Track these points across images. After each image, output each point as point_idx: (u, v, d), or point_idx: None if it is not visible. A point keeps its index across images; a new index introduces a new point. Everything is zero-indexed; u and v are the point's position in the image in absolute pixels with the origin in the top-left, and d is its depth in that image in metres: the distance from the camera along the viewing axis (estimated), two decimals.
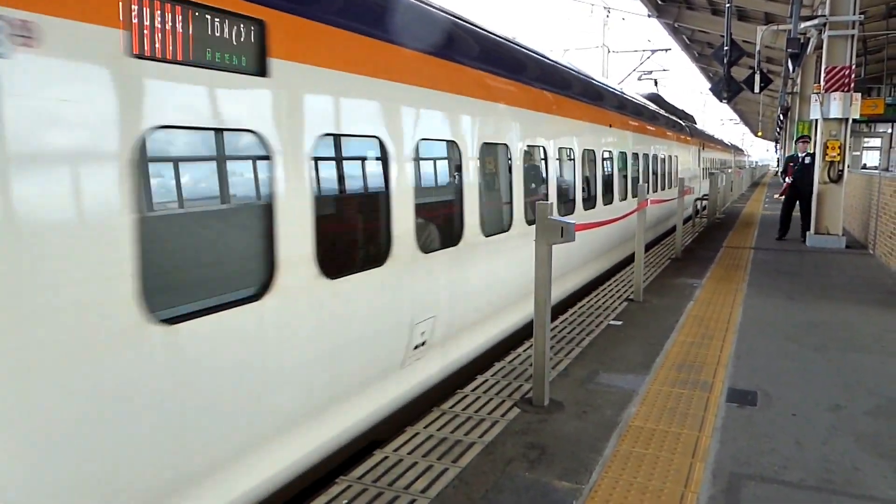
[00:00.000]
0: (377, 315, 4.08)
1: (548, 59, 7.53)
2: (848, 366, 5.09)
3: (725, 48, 13.13)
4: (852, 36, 10.92)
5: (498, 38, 6.09)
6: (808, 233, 11.81)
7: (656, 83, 25.74)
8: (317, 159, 3.56)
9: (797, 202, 12.44)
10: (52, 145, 2.28)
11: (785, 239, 12.41)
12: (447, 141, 4.90)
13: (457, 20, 5.29)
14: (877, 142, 35.14)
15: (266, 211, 3.23)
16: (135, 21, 2.51)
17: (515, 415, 4.08)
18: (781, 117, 30.28)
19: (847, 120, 11.12)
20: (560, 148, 7.36)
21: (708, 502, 3.10)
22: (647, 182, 11.99)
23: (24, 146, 2.18)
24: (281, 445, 3.39)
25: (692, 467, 3.42)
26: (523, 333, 6.08)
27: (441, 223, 5.01)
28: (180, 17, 2.70)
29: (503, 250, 5.81)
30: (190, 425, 2.85)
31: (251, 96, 3.10)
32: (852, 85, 10.97)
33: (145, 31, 2.56)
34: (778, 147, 46.08)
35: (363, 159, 4.19)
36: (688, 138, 17.87)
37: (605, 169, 9.30)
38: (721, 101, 14.85)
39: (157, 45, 2.61)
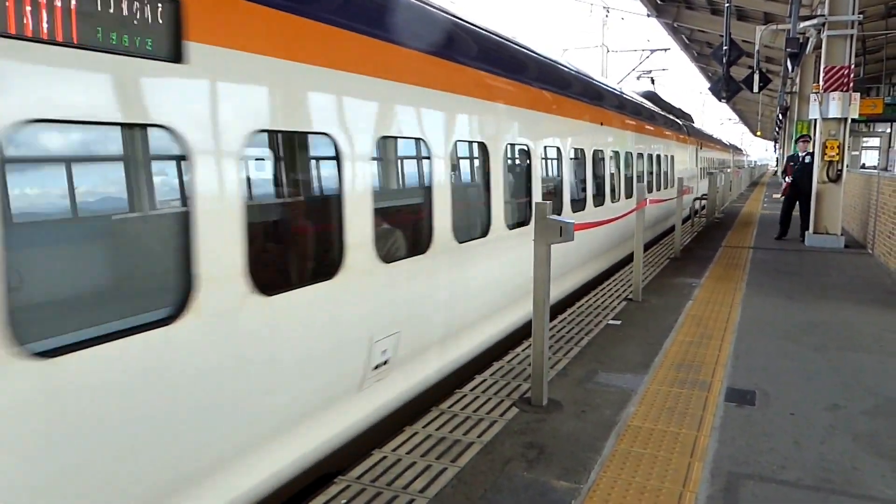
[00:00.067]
0: (326, 334, 3.63)
1: (531, 50, 7.03)
2: (846, 365, 5.09)
3: (724, 48, 13.13)
4: (851, 36, 10.93)
5: (471, 26, 5.56)
6: (806, 232, 11.82)
7: (653, 81, 25.70)
8: (249, 159, 3.16)
9: (797, 202, 12.45)
10: None
11: (784, 239, 12.42)
12: (413, 139, 4.49)
13: (421, 3, 4.78)
14: (876, 141, 35.16)
15: (181, 219, 2.79)
16: None
17: (514, 414, 4.08)
18: (780, 117, 30.31)
19: (846, 120, 11.13)
20: (546, 147, 6.97)
21: (706, 502, 3.10)
22: (642, 183, 11.69)
23: None
24: (201, 493, 2.94)
25: (691, 467, 3.42)
26: (505, 345, 5.86)
27: (407, 229, 4.61)
28: None
29: (480, 258, 5.39)
30: (80, 483, 2.38)
31: (162, 86, 2.65)
32: (851, 85, 10.98)
33: (8, 5, 2.14)
34: (777, 147, 46.13)
35: (311, 159, 3.80)
36: (685, 137, 17.61)
37: (597, 169, 8.88)
38: (720, 101, 14.85)
39: (27, 22, 2.19)
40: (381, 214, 4.09)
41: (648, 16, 22.27)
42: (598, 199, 8.89)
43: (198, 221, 2.81)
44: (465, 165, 5.42)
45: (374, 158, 3.99)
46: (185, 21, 2.72)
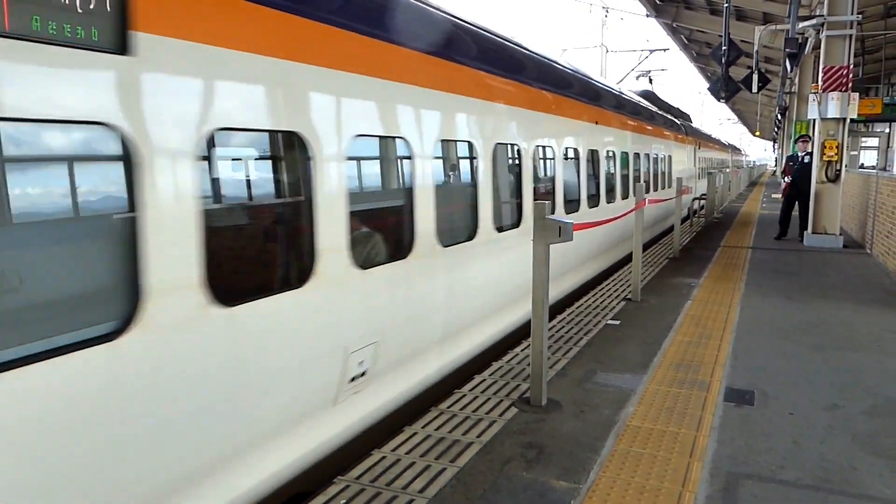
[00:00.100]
0: (296, 347, 3.38)
1: (519, 45, 6.72)
2: (845, 365, 5.10)
3: (724, 48, 13.15)
4: (850, 36, 10.94)
5: (450, 17, 5.22)
6: (805, 232, 11.84)
7: (651, 80, 25.69)
8: (207, 160, 2.92)
9: (797, 202, 12.45)
10: None
11: (784, 239, 12.42)
12: (393, 137, 4.25)
13: None
14: (874, 141, 35.23)
15: (127, 225, 2.55)
16: None
17: (513, 414, 4.08)
18: (779, 117, 30.34)
19: (845, 120, 11.14)
20: (538, 147, 6.69)
21: (705, 502, 3.10)
22: (640, 183, 11.61)
23: None
24: None
25: (690, 467, 3.43)
26: (493, 352, 5.66)
27: (387, 233, 4.35)
28: None
29: (466, 262, 5.16)
30: None
31: (103, 79, 2.42)
32: (850, 85, 10.99)
33: None
34: (776, 147, 46.18)
35: (278, 159, 3.55)
36: (683, 137, 17.42)
37: (591, 170, 8.66)
38: (719, 101, 14.86)
39: None
40: (357, 218, 3.89)
41: (647, 16, 22.29)
42: (593, 201, 8.68)
43: (146, 228, 2.57)
44: (450, 166, 5.20)
45: (349, 158, 3.75)
46: (133, 8, 2.48)
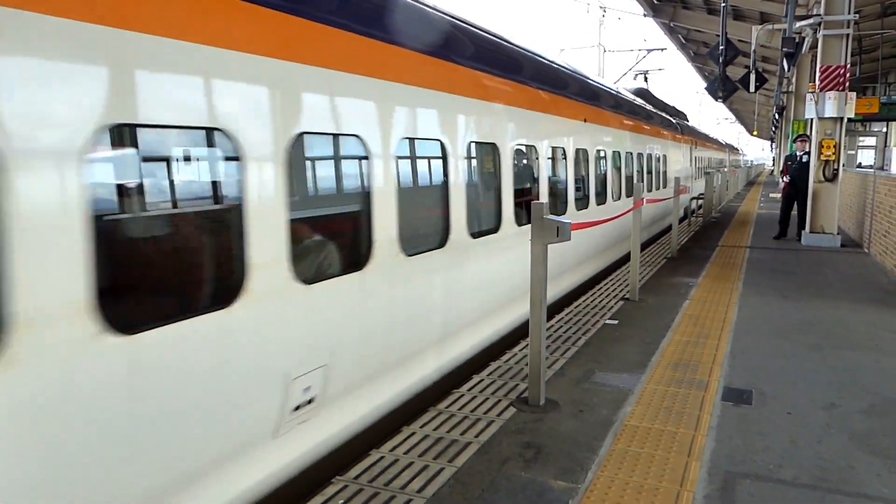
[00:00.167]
0: (220, 376, 2.95)
1: (496, 35, 6.27)
2: (843, 364, 5.11)
3: (721, 47, 13.18)
4: (847, 35, 10.96)
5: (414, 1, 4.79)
6: (803, 231, 11.86)
7: (646, 78, 25.68)
8: (97, 161, 2.48)
9: (795, 201, 12.46)
10: None
11: (783, 238, 12.42)
12: (347, 135, 3.85)
13: None
14: (872, 140, 35.31)
15: None
16: None
17: (511, 414, 4.08)
18: (777, 116, 30.39)
19: (842, 119, 11.15)
20: (519, 146, 6.28)
21: (703, 501, 3.11)
22: (624, 187, 10.56)
23: None
24: None
25: (688, 466, 3.43)
26: (470, 367, 5.29)
27: (339, 242, 3.95)
28: None
29: (436, 271, 4.77)
30: None
31: None
32: (847, 84, 11.01)
33: None
34: (773, 146, 46.25)
35: (197, 160, 3.11)
36: (679, 136, 17.10)
37: (580, 171, 8.20)
38: (717, 101, 14.89)
39: None
40: (302, 226, 3.52)
41: (645, 16, 22.33)
42: (581, 203, 8.28)
43: (13, 245, 2.13)
44: (416, 166, 4.80)
45: (290, 159, 3.34)
46: None
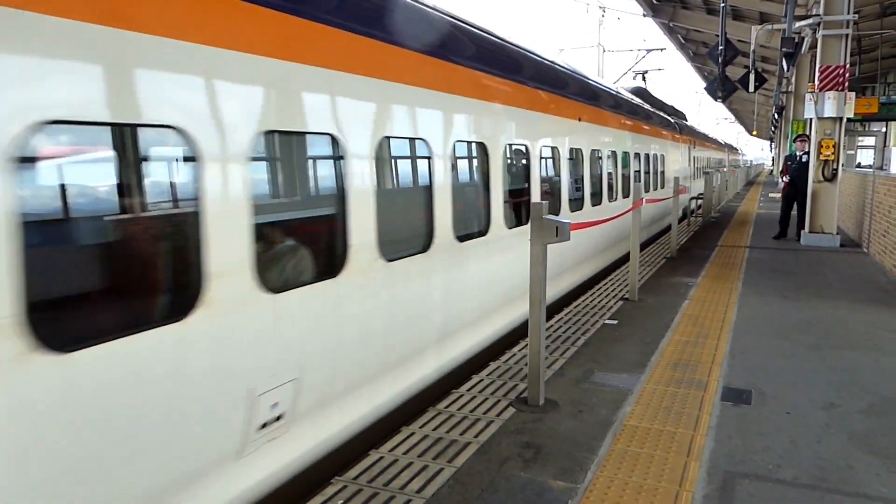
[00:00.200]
0: (175, 394, 2.72)
1: (483, 29, 5.99)
2: (842, 364, 5.11)
3: (720, 47, 13.18)
4: (846, 35, 10.96)
5: None
6: (802, 231, 11.86)
7: (644, 78, 25.65)
8: (27, 160, 2.27)
9: (795, 201, 12.45)
10: None
11: (782, 238, 12.42)
12: (319, 134, 3.62)
13: None
14: (871, 140, 35.33)
15: None
16: None
17: (511, 414, 4.08)
18: (776, 116, 30.40)
19: (841, 119, 11.16)
20: (510, 146, 6.05)
21: (703, 501, 3.11)
22: (620, 187, 10.29)
23: None
24: None
25: (687, 466, 3.43)
26: (453, 378, 5.04)
27: (311, 247, 3.72)
28: None
29: (419, 277, 4.56)
30: None
31: None
32: (846, 84, 11.02)
33: None
34: (773, 146, 46.28)
35: (144, 161, 2.88)
36: (677, 136, 16.87)
37: (574, 171, 7.98)
38: (716, 101, 14.89)
39: None
40: (269, 231, 3.36)
41: (644, 16, 22.34)
42: (576, 204, 8.07)
43: None
44: (397, 166, 4.62)
45: (254, 159, 3.11)
46: None
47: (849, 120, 12.15)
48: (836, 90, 10.96)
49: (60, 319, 2.46)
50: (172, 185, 2.98)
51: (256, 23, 3.15)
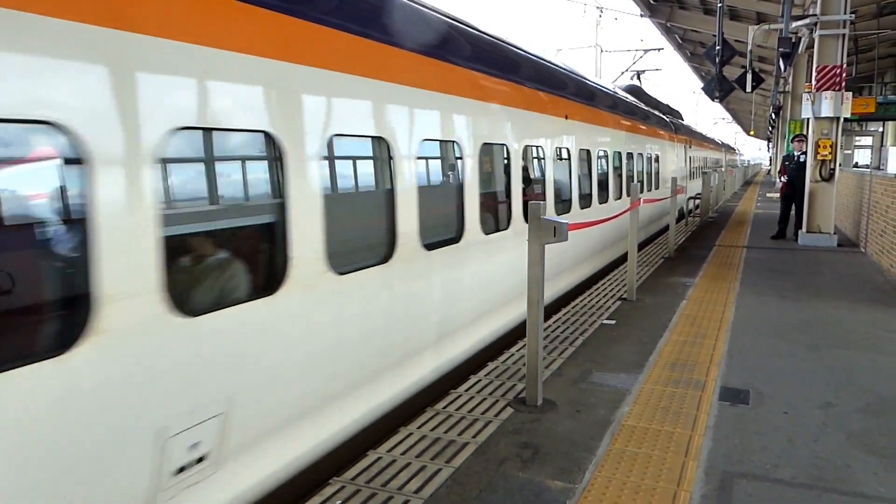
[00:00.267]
0: (54, 444, 2.31)
1: (451, 16, 5.53)
2: (839, 364, 5.11)
3: (717, 47, 13.21)
4: (843, 35, 10.99)
5: None
6: (800, 231, 11.88)
7: (639, 77, 25.61)
8: None
9: (794, 202, 12.45)
10: None
11: (781, 238, 12.42)
12: (252, 131, 3.19)
13: None
14: (868, 140, 35.40)
15: None
16: None
17: (509, 414, 4.08)
18: (773, 116, 30.48)
19: (838, 119, 11.18)
20: (484, 145, 5.51)
21: (701, 501, 3.11)
22: (611, 189, 9.83)
23: None
24: None
25: (685, 466, 3.43)
26: (413, 407, 4.52)
27: (240, 261, 3.25)
28: None
29: (378, 291, 4.13)
30: None
31: None
32: (843, 84, 11.04)
33: None
34: (770, 146, 46.36)
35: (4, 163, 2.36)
36: (672, 135, 16.53)
37: (560, 172, 7.52)
38: (713, 101, 14.91)
39: None
40: (188, 243, 2.98)
41: (642, 16, 22.35)
42: (563, 207, 7.67)
43: None
44: (354, 168, 4.18)
45: (162, 160, 2.68)
46: None
47: (846, 120, 12.16)
48: (833, 90, 10.98)
49: None
50: (59, 190, 2.44)
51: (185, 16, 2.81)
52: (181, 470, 2.81)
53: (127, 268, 2.52)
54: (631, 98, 13.52)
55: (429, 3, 5.23)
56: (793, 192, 12.30)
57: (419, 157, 4.57)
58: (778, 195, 13.47)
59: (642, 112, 13.34)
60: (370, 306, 4.08)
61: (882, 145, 32.43)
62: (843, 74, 11.02)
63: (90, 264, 2.40)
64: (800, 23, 11.63)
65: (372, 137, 4.12)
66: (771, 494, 3.18)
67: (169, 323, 2.69)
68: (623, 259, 9.94)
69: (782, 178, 12.88)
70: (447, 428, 3.89)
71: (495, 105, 5.85)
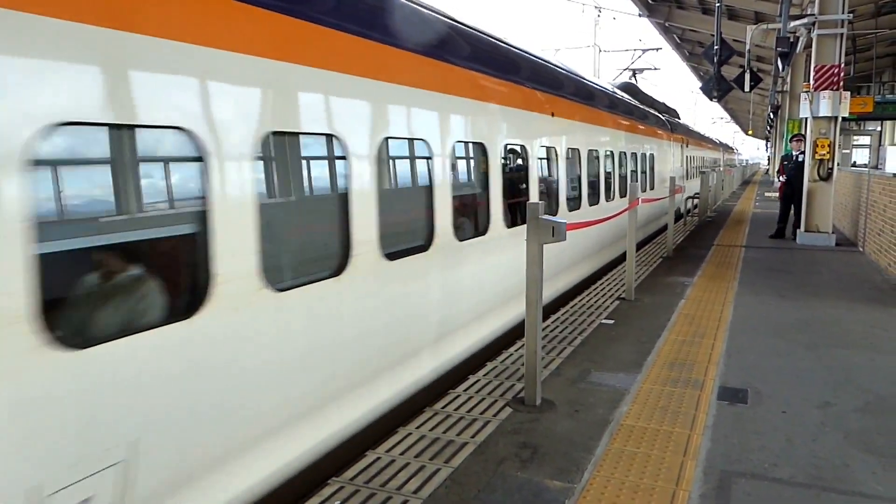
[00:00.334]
0: None
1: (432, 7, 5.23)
2: (837, 363, 5.12)
3: (716, 47, 13.20)
4: (841, 34, 11.00)
5: None
6: (798, 230, 11.89)
7: (635, 76, 25.54)
8: None
9: (793, 201, 12.45)
10: None
11: (779, 237, 12.43)
12: (165, 127, 2.74)
13: None
14: (866, 139, 35.45)
15: None
16: None
17: (507, 414, 4.08)
18: (772, 116, 30.50)
19: (836, 118, 11.20)
20: (460, 144, 5.17)
21: (699, 500, 3.11)
22: (602, 190, 9.43)
23: None
24: None
25: (683, 465, 3.44)
26: (363, 444, 3.96)
27: (163, 277, 2.82)
28: None
29: (326, 309, 3.66)
30: None
31: None
32: (841, 83, 11.05)
33: None
34: (769, 145, 46.38)
35: None
36: (668, 134, 16.01)
37: (546, 172, 7.14)
38: (711, 100, 14.91)
39: None
40: (76, 260, 2.56)
41: (640, 15, 22.37)
42: (549, 211, 6.81)
43: None
44: (297, 168, 3.76)
45: (37, 162, 2.22)
46: None
47: (844, 119, 12.18)
48: (832, 89, 10.99)
49: None
50: None
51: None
52: None
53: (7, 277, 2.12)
54: (625, 95, 13.37)
55: None
56: (792, 192, 12.31)
57: (382, 158, 4.18)
58: (776, 195, 13.45)
59: (637, 110, 13.12)
60: (317, 325, 3.58)
61: (880, 144, 32.49)
62: (842, 74, 11.03)
63: None
64: (798, 22, 11.64)
65: (319, 134, 3.67)
66: (769, 493, 3.18)
67: (43, 358, 2.21)
68: (614, 264, 10.00)
69: (781, 178, 12.88)
70: (446, 428, 3.89)
71: (468, 100, 5.34)
